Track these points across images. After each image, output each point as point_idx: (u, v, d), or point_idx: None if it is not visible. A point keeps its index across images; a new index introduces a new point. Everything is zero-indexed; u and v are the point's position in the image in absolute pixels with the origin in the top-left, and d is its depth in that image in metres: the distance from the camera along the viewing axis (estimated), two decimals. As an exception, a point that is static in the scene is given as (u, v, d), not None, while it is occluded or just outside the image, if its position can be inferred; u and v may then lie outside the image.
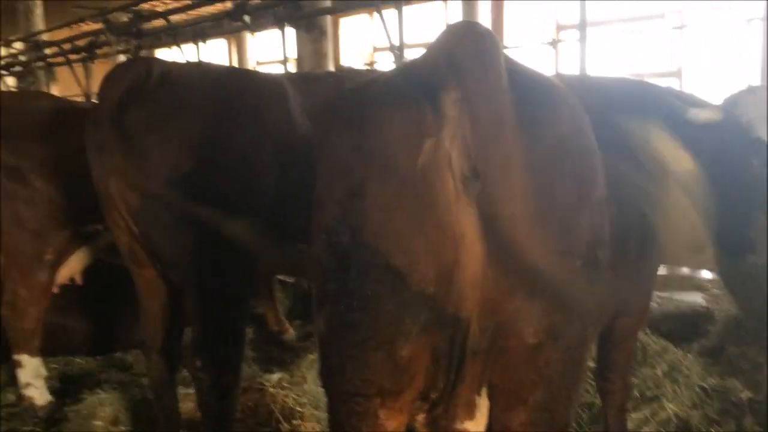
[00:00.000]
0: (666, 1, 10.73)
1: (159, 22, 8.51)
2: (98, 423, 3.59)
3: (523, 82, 1.68)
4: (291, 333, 5.25)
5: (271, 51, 16.95)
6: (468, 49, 1.56)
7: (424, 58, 1.64)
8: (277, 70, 9.04)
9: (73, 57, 10.10)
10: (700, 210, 2.79)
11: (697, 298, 6.08)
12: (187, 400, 3.86)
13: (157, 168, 2.85)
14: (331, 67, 7.61)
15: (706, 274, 7.01)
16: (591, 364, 3.43)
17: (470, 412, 1.78)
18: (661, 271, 6.90)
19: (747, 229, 2.78)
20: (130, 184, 2.87)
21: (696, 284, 6.69)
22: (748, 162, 2.71)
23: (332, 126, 1.80)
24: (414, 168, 1.56)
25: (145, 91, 2.92)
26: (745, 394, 3.88)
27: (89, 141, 2.97)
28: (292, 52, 7.54)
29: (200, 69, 3.66)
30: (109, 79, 2.98)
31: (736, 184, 2.73)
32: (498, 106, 1.55)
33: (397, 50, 5.64)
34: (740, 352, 4.53)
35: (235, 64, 17.77)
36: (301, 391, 3.82)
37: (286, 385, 3.84)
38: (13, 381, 4.13)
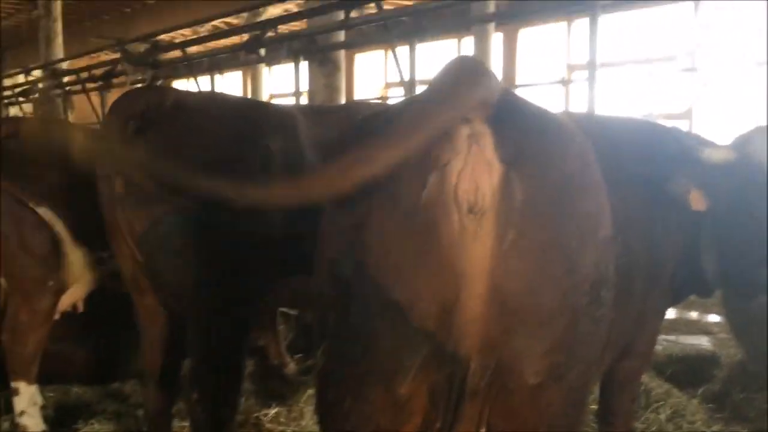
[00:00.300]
0: (677, 43, 10.83)
1: (176, 53, 8.63)
2: (91, 454, 3.54)
3: (529, 118, 1.68)
4: (291, 367, 5.18)
5: (286, 84, 17.18)
6: (463, 83, 1.56)
7: (430, 92, 1.64)
8: (291, 102, 9.13)
9: (89, 85, 10.25)
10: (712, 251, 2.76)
11: (703, 342, 6.01)
12: (181, 434, 3.81)
13: (164, 196, 2.85)
14: (344, 101, 7.69)
15: (713, 318, 6.93)
16: (593, 406, 3.37)
17: (468, 454, 1.73)
18: (668, 314, 6.85)
19: (758, 271, 2.74)
20: (138, 210, 2.87)
21: (702, 328, 6.61)
22: (762, 202, 2.67)
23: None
24: (418, 201, 1.55)
25: (159, 117, 2.94)
26: (751, 442, 3.80)
27: (98, 166, 2.98)
28: (306, 86, 7.62)
29: (214, 98, 3.69)
30: (118, 105, 3.01)
31: (748, 224, 2.70)
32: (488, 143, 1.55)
33: (409, 86, 5.68)
34: (746, 399, 4.46)
35: (250, 96, 17.98)
36: (298, 426, 3.76)
37: (283, 420, 3.79)
38: (10, 409, 4.08)
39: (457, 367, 1.62)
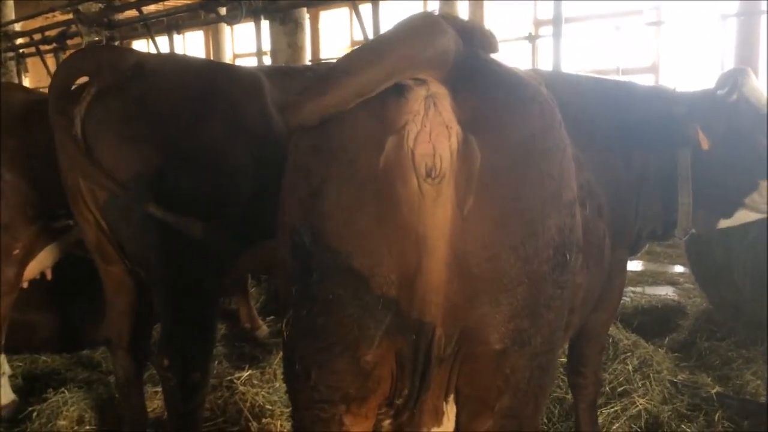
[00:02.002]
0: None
1: (132, 13, 8.35)
2: (63, 423, 3.53)
3: (489, 78, 1.63)
4: (263, 330, 5.20)
5: (249, 43, 16.82)
6: (421, 42, 1.50)
7: (386, 37, 1.56)
8: (254, 62, 8.94)
9: (44, 48, 9.91)
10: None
11: (668, 293, 6.15)
12: (154, 399, 3.81)
13: (129, 161, 2.78)
14: (308, 60, 7.55)
15: (679, 269, 7.09)
16: (562, 359, 3.44)
17: (437, 419, 1.75)
18: (635, 266, 7.01)
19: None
20: (99, 177, 2.80)
21: (668, 279, 6.76)
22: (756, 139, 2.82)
23: None
24: (376, 167, 1.51)
25: (118, 81, 2.85)
26: (715, 389, 3.92)
27: (57, 132, 2.89)
28: (268, 45, 7.46)
29: (175, 60, 3.58)
30: (66, 64, 2.90)
31: (744, 159, 2.85)
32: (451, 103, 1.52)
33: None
34: (710, 347, 4.59)
35: (212, 56, 17.57)
36: (271, 388, 3.78)
37: (256, 382, 3.80)
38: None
39: (423, 334, 1.61)
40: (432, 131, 1.50)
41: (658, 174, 2.87)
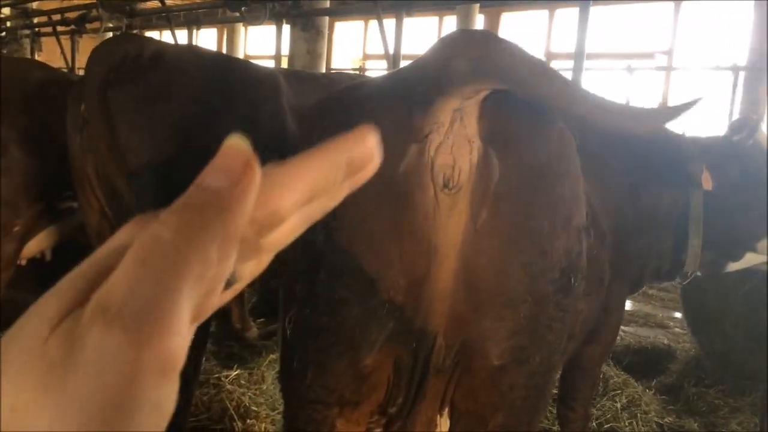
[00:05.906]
0: (656, 41, 10.90)
1: (153, 4, 8.39)
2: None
3: (515, 98, 1.65)
4: (253, 331, 5.18)
5: (262, 45, 16.90)
6: (469, 56, 1.46)
7: (421, 63, 1.58)
8: (267, 65, 8.97)
9: (61, 29, 9.92)
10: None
11: (659, 335, 6.16)
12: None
13: (141, 150, 2.79)
14: (324, 69, 7.59)
15: (670, 313, 7.11)
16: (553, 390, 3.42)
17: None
18: (627, 306, 7.01)
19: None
20: (110, 163, 2.79)
21: (659, 322, 6.77)
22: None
23: (317, 125, 1.77)
24: (395, 172, 1.52)
25: (136, 69, 2.85)
26: (700, 435, 3.92)
27: (70, 115, 2.90)
28: (287, 50, 7.50)
29: (194, 52, 3.57)
30: (97, 54, 2.91)
31: (757, 205, 2.89)
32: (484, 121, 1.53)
33: (394, 59, 5.62)
34: (698, 393, 4.59)
35: (226, 55, 17.61)
36: (258, 390, 3.77)
37: (243, 382, 3.79)
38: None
39: (423, 343, 1.60)
40: (454, 144, 1.51)
41: (670, 213, 2.89)
